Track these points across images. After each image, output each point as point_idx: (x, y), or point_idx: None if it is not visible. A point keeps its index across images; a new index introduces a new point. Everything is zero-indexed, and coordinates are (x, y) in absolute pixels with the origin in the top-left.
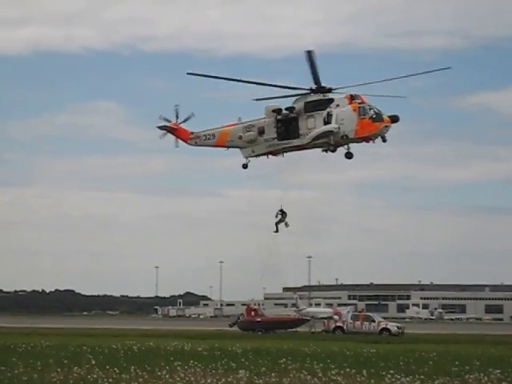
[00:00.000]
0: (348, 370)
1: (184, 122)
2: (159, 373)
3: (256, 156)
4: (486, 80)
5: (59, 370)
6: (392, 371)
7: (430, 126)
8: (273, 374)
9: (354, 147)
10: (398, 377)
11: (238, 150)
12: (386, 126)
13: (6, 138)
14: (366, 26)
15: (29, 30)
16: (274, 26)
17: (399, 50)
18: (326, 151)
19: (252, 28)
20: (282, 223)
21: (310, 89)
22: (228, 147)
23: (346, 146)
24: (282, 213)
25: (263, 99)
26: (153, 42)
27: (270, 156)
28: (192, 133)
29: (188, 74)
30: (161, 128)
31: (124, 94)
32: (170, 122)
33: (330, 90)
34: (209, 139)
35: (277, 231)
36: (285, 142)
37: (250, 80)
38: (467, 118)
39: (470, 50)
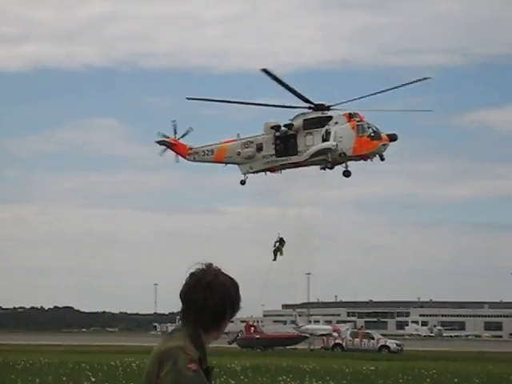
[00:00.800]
0: None
1: (183, 137)
2: None
3: (254, 172)
4: (486, 97)
5: None
6: None
7: (430, 143)
8: None
9: (353, 163)
10: None
11: (236, 166)
12: (384, 145)
13: (4, 155)
14: (365, 44)
15: (28, 47)
16: (273, 44)
17: (398, 68)
18: (323, 169)
19: (252, 45)
20: (281, 249)
21: (309, 107)
22: (226, 163)
23: (343, 164)
24: (281, 241)
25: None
26: (152, 58)
27: (268, 173)
28: (191, 148)
29: (188, 98)
30: (160, 143)
31: (123, 111)
32: (168, 138)
33: (328, 108)
34: (207, 155)
35: (274, 259)
36: (283, 158)
37: (248, 102)
38: (466, 136)
39: (470, 68)
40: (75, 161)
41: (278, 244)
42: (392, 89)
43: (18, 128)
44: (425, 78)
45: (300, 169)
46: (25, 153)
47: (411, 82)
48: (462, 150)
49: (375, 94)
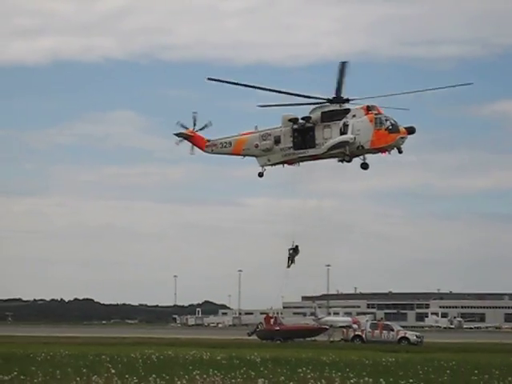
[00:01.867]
0: (367, 379)
1: (201, 129)
2: (178, 382)
3: (272, 165)
4: (505, 88)
5: (78, 378)
6: (411, 380)
7: (449, 134)
8: (291, 383)
9: (370, 155)
10: None
11: (254, 158)
12: (402, 138)
13: (23, 148)
14: (383, 36)
15: (48, 40)
16: (292, 36)
17: (417, 59)
18: (341, 161)
19: (270, 37)
20: (294, 258)
21: (328, 99)
22: (244, 155)
23: (361, 157)
24: (295, 249)
25: (268, 106)
26: (171, 51)
27: (286, 165)
28: (208, 140)
29: (208, 79)
30: (178, 135)
31: (142, 103)
32: (187, 128)
33: (347, 101)
34: (225, 147)
35: (288, 267)
36: (301, 151)
37: (268, 88)
38: (485, 127)
39: (489, 59)
40: (94, 153)
41: (292, 251)
42: (426, 90)
43: (37, 121)
44: (467, 84)
45: (319, 161)
46: (43, 145)
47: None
48: (481, 141)
49: (404, 93)
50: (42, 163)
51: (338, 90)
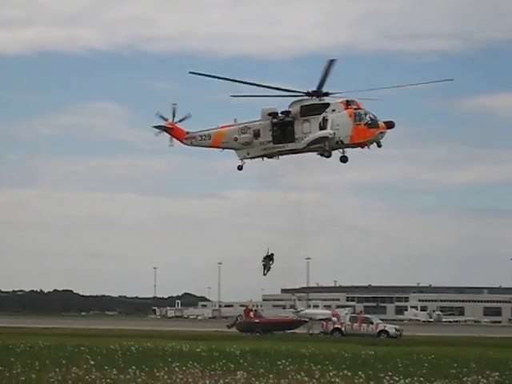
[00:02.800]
0: (346, 371)
1: (180, 121)
2: (157, 373)
3: (251, 158)
4: (487, 82)
5: (57, 370)
6: (390, 373)
7: (431, 128)
8: (271, 376)
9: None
10: (397, 379)
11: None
12: (382, 133)
13: (7, 139)
14: (368, 29)
15: (31, 31)
16: (276, 28)
17: (401, 53)
18: (321, 155)
19: (254, 30)
20: (270, 264)
21: (307, 92)
22: (223, 148)
23: (341, 150)
24: (270, 257)
25: (241, 96)
26: (154, 42)
27: (266, 158)
28: (188, 132)
29: (190, 73)
30: (157, 128)
31: (125, 95)
32: (166, 120)
33: (326, 94)
34: (204, 140)
35: (265, 275)
36: (280, 145)
37: (247, 81)
38: (468, 121)
39: (472, 53)
40: (77, 144)
41: (266, 259)
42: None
43: (20, 111)
44: (447, 80)
45: (302, 154)
46: (26, 136)
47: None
48: (463, 135)
49: (384, 88)
50: (26, 154)
51: (321, 85)
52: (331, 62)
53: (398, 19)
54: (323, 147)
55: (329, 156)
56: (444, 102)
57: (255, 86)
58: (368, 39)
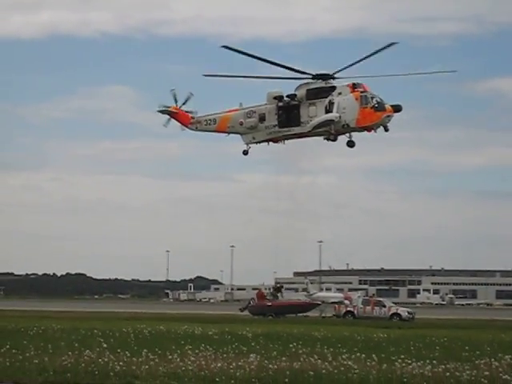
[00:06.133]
0: (358, 354)
1: (184, 104)
2: (170, 356)
3: (256, 143)
4: (500, 65)
5: (70, 353)
6: (403, 356)
7: (443, 111)
8: (283, 359)
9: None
10: (409, 362)
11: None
12: (388, 116)
13: (19, 122)
14: (379, 12)
15: (44, 15)
16: (288, 12)
17: (413, 36)
18: (327, 139)
19: (266, 13)
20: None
21: (313, 75)
22: (229, 133)
23: (347, 135)
24: (278, 290)
25: (214, 75)
26: (167, 26)
27: (272, 143)
28: (193, 117)
29: (222, 47)
30: (162, 112)
31: (137, 78)
32: (169, 107)
33: (333, 77)
34: (209, 124)
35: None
36: (285, 129)
37: (269, 60)
38: (480, 104)
39: (484, 36)
40: (89, 128)
41: (275, 291)
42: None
43: (33, 95)
44: (391, 44)
45: (313, 138)
46: (39, 120)
47: (436, 72)
48: (475, 118)
49: (391, 75)
50: (37, 138)
51: (345, 67)
52: (390, 45)
53: (409, 2)
54: (329, 131)
55: (334, 140)
56: (456, 85)
57: (271, 65)
58: (380, 23)
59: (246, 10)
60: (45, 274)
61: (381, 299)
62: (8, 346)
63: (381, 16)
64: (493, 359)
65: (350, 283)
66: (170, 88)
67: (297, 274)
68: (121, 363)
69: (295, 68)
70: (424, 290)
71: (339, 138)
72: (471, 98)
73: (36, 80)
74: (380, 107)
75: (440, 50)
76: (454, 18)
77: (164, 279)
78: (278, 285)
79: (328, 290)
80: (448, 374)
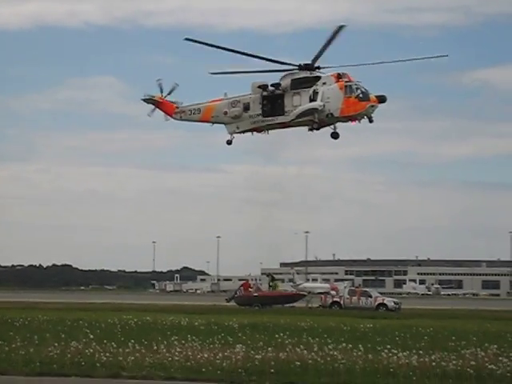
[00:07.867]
0: (344, 344)
1: (169, 94)
2: (156, 347)
3: (240, 132)
4: (487, 56)
5: (56, 344)
6: (389, 346)
7: (430, 101)
8: (269, 349)
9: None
10: (395, 352)
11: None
12: (373, 106)
13: (6, 113)
14: (366, 2)
15: (31, 5)
16: (275, 2)
17: (399, 26)
18: (311, 130)
19: (254, 4)
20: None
21: (299, 65)
22: (213, 123)
23: (332, 126)
24: (272, 279)
25: (221, 73)
26: (154, 17)
27: (255, 133)
28: (177, 107)
29: (185, 39)
30: (146, 101)
31: (124, 69)
32: (154, 96)
33: (318, 68)
34: (194, 114)
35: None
36: (269, 118)
37: (242, 51)
38: (467, 94)
39: (471, 26)
40: (76, 119)
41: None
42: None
43: (19, 86)
44: (442, 56)
45: (299, 128)
46: (26, 111)
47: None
48: (462, 108)
49: (376, 63)
50: (24, 129)
51: (318, 56)
52: (340, 28)
53: None
54: (313, 120)
55: (318, 129)
56: (443, 75)
57: (251, 58)
58: (366, 13)
59: (233, 1)
60: (31, 265)
61: (367, 289)
62: None
63: (368, 6)
64: (479, 349)
65: (337, 273)
66: (156, 79)
67: (283, 264)
68: (107, 354)
69: (276, 59)
70: (410, 280)
71: (324, 129)
72: (458, 88)
73: (23, 71)
74: (364, 97)
75: (427, 40)
76: (442, 9)
77: (150, 270)
78: (270, 276)
79: (314, 280)
80: (434, 363)
